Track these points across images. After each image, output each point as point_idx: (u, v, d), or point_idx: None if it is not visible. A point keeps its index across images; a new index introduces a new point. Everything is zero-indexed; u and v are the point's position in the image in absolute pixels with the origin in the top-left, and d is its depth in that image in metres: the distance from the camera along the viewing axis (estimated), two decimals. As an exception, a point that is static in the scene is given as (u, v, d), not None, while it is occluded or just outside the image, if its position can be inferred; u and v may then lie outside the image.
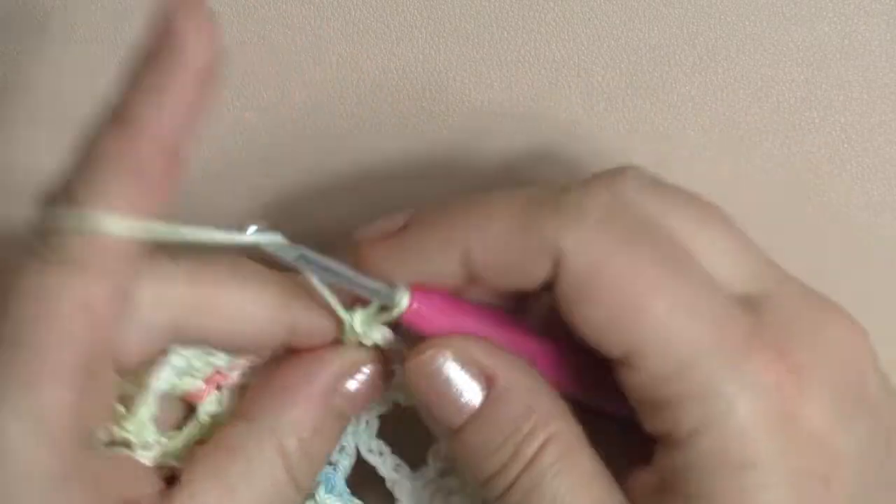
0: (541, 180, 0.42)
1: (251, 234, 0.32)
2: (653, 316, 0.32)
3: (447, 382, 0.34)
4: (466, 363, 0.34)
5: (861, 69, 0.41)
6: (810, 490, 0.32)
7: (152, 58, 0.31)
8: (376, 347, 0.35)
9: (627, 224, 0.33)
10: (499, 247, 0.33)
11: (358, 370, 0.35)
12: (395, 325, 0.35)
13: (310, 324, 0.35)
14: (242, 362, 0.37)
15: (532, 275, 0.33)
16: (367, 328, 0.35)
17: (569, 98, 0.42)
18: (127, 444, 0.35)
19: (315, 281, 0.34)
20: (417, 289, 0.34)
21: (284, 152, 0.43)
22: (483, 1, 0.41)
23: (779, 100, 0.42)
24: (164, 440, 0.36)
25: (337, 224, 0.42)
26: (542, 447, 0.33)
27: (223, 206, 0.43)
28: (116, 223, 0.30)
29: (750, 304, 0.33)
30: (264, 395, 0.35)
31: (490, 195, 0.34)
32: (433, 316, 0.34)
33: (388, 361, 0.36)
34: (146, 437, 0.35)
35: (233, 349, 0.36)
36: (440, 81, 0.42)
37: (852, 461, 0.32)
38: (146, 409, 0.35)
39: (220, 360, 0.36)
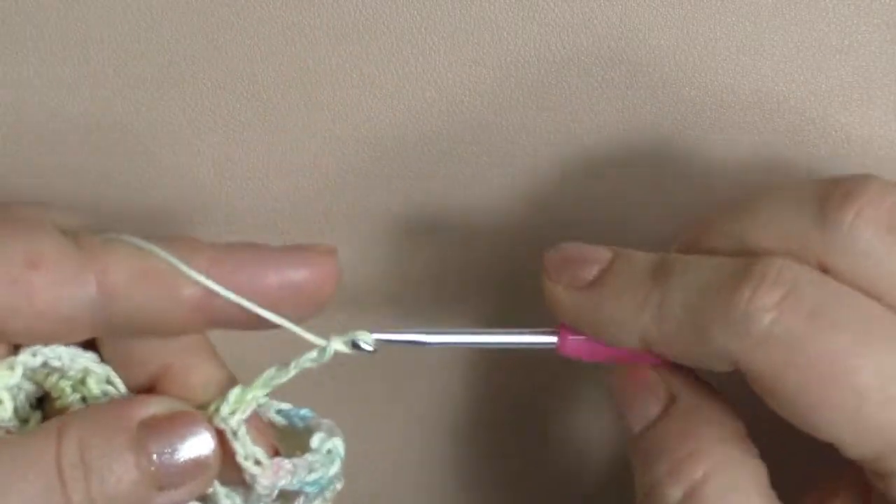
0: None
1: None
2: (856, 404, 0.31)
3: (635, 392, 0.35)
4: (655, 378, 0.35)
5: (861, 69, 0.41)
6: None
7: None
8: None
9: (808, 307, 0.31)
10: (673, 345, 0.33)
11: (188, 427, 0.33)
12: None
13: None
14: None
15: (712, 368, 0.33)
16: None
17: (569, 99, 0.42)
18: None
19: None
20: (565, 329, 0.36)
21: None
22: (483, 2, 0.41)
23: (779, 100, 0.41)
24: (13, 427, 0.34)
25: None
26: (704, 477, 0.33)
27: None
28: None
29: None
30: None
31: (672, 267, 0.34)
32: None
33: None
34: None
35: None
36: (434, 87, 0.42)
37: None
38: (8, 372, 0.34)
39: (118, 394, 0.35)
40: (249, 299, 0.33)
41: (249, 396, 0.34)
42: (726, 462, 0.33)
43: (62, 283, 0.32)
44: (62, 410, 0.34)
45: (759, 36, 0.41)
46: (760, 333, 0.31)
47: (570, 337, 0.35)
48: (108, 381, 0.35)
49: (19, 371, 0.34)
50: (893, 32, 0.41)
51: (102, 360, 0.35)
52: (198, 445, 0.32)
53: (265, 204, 0.43)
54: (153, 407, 0.33)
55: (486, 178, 0.43)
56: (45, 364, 0.34)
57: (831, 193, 0.33)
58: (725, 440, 0.34)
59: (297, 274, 0.33)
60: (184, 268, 0.33)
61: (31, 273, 0.32)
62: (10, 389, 0.34)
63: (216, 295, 0.32)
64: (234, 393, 0.34)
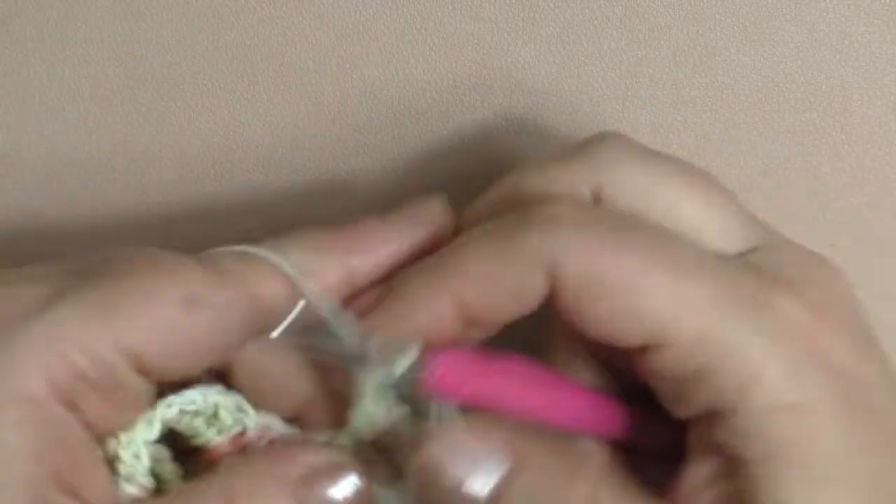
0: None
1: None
2: (662, 296, 0.32)
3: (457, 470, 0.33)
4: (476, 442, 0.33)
5: (861, 69, 0.41)
6: (857, 417, 0.32)
7: None
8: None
9: (605, 216, 0.33)
10: (488, 279, 0.33)
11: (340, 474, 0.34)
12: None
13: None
14: (269, 426, 0.35)
15: (528, 296, 0.33)
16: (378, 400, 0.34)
17: (569, 99, 0.42)
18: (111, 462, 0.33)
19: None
20: (433, 351, 0.33)
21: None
22: (482, 3, 0.41)
23: (779, 100, 0.42)
24: (147, 483, 0.34)
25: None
26: None
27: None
28: None
29: (747, 261, 0.33)
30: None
31: (462, 238, 0.34)
32: (460, 379, 0.33)
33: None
34: (136, 466, 0.33)
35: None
36: (433, 88, 0.42)
37: (881, 389, 0.33)
38: (147, 428, 0.34)
39: (251, 419, 0.35)
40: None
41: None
42: (603, 473, 0.34)
43: (219, 318, 0.33)
44: (198, 447, 0.35)
45: (760, 35, 0.41)
46: (571, 225, 0.32)
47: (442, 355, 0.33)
48: (240, 409, 0.35)
49: (157, 427, 0.34)
50: (893, 32, 0.41)
51: (229, 386, 0.35)
52: (347, 488, 0.33)
53: (265, 204, 0.43)
54: (311, 457, 0.33)
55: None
56: (180, 412, 0.34)
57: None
58: (585, 456, 0.34)
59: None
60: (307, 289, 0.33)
61: (189, 316, 0.32)
62: (147, 445, 0.34)
63: None
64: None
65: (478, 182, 0.42)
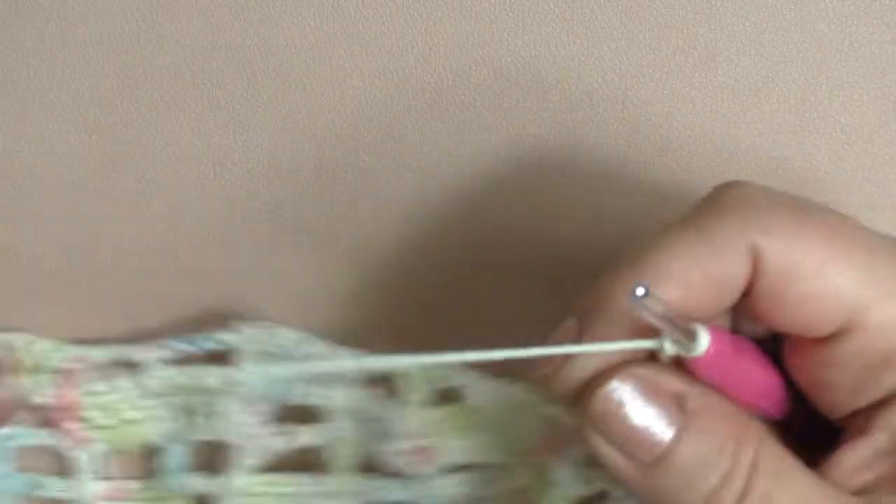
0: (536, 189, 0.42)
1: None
2: (860, 279, 0.32)
3: (636, 415, 0.32)
4: (655, 392, 0.32)
5: (861, 70, 0.41)
6: None
7: None
8: None
9: (792, 198, 0.33)
10: (692, 275, 0.32)
11: None
12: None
13: None
14: None
15: (734, 287, 0.32)
16: None
17: (569, 100, 0.42)
18: None
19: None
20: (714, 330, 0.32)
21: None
22: (482, 3, 0.41)
23: (779, 100, 0.42)
24: None
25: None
26: (752, 473, 0.32)
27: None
28: None
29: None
30: None
31: (653, 238, 0.33)
32: (724, 361, 0.33)
33: None
34: None
35: None
36: (433, 88, 0.42)
37: None
38: None
39: None
40: None
41: None
42: (768, 448, 0.32)
43: None
44: None
45: (760, 35, 0.41)
46: (765, 208, 0.33)
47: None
48: None
49: None
50: (893, 32, 0.41)
51: None
52: None
53: (265, 204, 0.43)
54: None
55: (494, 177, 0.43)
56: None
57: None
58: (751, 428, 0.33)
59: None
60: None
61: None
62: None
63: None
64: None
65: (478, 182, 0.43)
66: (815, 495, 0.32)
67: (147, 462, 0.44)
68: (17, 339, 0.43)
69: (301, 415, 0.42)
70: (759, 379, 0.34)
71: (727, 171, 0.42)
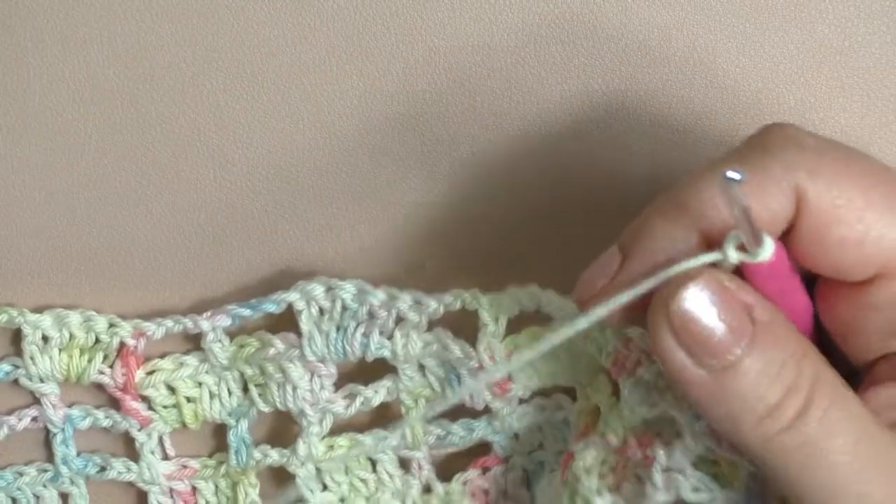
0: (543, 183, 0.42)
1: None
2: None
3: (712, 320, 0.32)
4: (729, 299, 0.32)
5: (860, 71, 0.41)
6: None
7: None
8: None
9: (837, 144, 0.33)
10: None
11: None
12: None
13: None
14: None
15: (777, 224, 0.33)
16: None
17: (569, 101, 0.42)
18: None
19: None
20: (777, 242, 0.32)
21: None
22: (482, 3, 0.41)
23: (779, 101, 0.41)
24: None
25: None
26: (816, 381, 0.32)
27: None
28: None
29: None
30: None
31: (699, 171, 0.33)
32: (781, 275, 0.33)
33: None
34: None
35: None
36: (433, 88, 0.42)
37: None
38: None
39: None
40: None
41: None
42: (828, 373, 0.33)
43: None
44: None
45: (759, 36, 0.41)
46: (814, 152, 0.33)
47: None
48: None
49: None
50: (893, 32, 0.41)
51: None
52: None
53: (265, 204, 0.43)
54: None
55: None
56: None
57: None
58: (811, 346, 0.33)
59: None
60: None
61: None
62: None
63: None
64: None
65: (478, 182, 0.43)
66: (866, 418, 0.32)
67: (212, 439, 0.45)
68: (74, 317, 0.43)
69: (366, 369, 0.42)
70: (802, 302, 0.34)
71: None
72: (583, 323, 0.32)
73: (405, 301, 0.41)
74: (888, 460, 0.32)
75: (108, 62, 0.42)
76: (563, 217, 0.43)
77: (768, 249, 0.32)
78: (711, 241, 0.33)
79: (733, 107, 0.42)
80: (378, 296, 0.41)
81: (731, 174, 0.30)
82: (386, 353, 0.42)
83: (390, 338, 0.41)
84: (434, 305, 0.41)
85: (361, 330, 0.41)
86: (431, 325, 0.41)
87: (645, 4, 0.41)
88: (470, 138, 0.42)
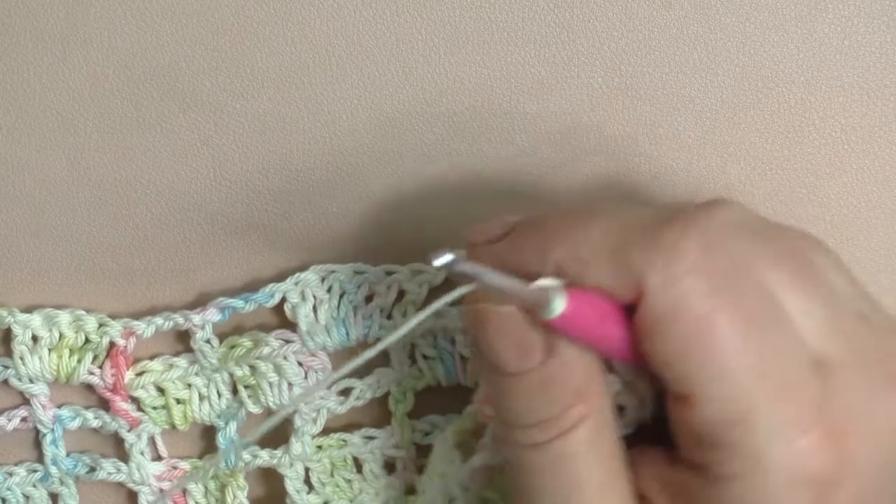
0: (550, 190, 0.42)
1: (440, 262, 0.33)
2: (724, 369, 0.32)
3: (520, 331, 0.34)
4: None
5: (860, 70, 0.41)
6: None
7: None
8: None
9: (718, 272, 0.33)
10: (589, 268, 0.34)
11: None
12: None
13: None
14: None
15: (616, 295, 0.34)
16: None
17: (570, 101, 0.42)
18: None
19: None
20: (572, 292, 0.33)
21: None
22: (482, 4, 0.41)
23: (779, 101, 0.41)
24: None
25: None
26: (581, 420, 0.34)
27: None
28: None
29: (823, 369, 0.33)
30: None
31: (593, 211, 0.35)
32: (582, 320, 0.34)
33: None
34: None
35: None
36: (432, 88, 0.42)
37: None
38: None
39: None
40: None
41: None
42: (602, 406, 0.35)
43: None
44: None
45: (760, 36, 0.41)
46: (678, 272, 0.33)
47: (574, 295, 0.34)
48: None
49: None
50: (893, 32, 0.41)
51: None
52: None
53: (264, 203, 0.43)
54: None
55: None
56: None
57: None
58: (598, 390, 0.35)
59: None
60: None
61: None
62: None
63: None
64: None
65: (478, 182, 0.43)
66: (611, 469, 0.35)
67: (202, 440, 0.44)
68: (64, 316, 0.43)
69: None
70: (615, 336, 0.34)
71: (727, 171, 0.42)
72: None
73: (403, 273, 0.41)
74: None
75: (108, 62, 0.42)
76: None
77: (557, 309, 0.33)
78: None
79: (733, 107, 0.41)
80: (375, 272, 0.41)
81: (441, 259, 0.33)
82: (385, 335, 0.41)
83: (390, 317, 0.41)
84: (432, 274, 0.41)
85: (361, 312, 0.41)
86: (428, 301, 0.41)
87: (645, 4, 0.41)
88: (470, 137, 0.42)
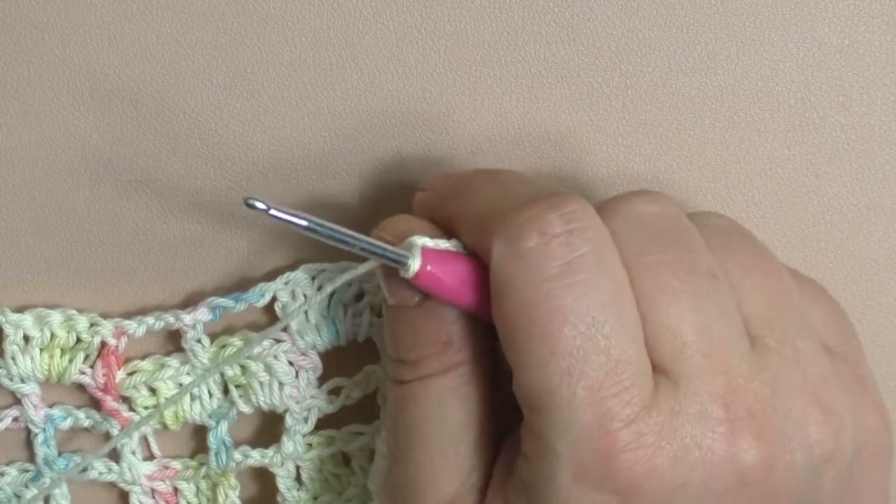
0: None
1: (261, 207, 0.34)
2: (535, 359, 0.33)
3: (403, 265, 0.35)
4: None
5: (860, 70, 0.41)
6: None
7: None
8: None
9: (557, 262, 0.33)
10: (465, 227, 0.36)
11: None
12: None
13: None
14: None
15: (482, 258, 0.35)
16: None
17: (569, 100, 0.42)
18: None
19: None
20: (428, 253, 0.35)
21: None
22: (481, 3, 0.41)
23: (779, 100, 0.42)
24: None
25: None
26: (446, 369, 0.36)
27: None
28: None
29: (664, 380, 0.33)
30: None
31: (496, 177, 0.36)
32: (440, 280, 0.35)
33: None
34: None
35: None
36: (432, 87, 0.42)
37: None
38: None
39: None
40: None
41: None
42: (475, 360, 0.36)
43: None
44: None
45: (760, 35, 0.41)
46: (517, 251, 0.33)
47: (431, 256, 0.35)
48: None
49: None
50: (893, 32, 0.41)
51: None
52: None
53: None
54: None
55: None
56: None
57: None
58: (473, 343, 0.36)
59: None
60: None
61: None
62: None
63: None
64: None
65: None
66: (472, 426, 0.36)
67: (194, 440, 0.44)
68: (55, 316, 0.42)
69: (350, 358, 0.43)
70: (471, 300, 0.36)
71: (727, 171, 0.42)
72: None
73: None
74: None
75: (108, 62, 0.42)
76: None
77: (413, 268, 0.35)
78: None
79: (733, 107, 0.42)
80: (364, 267, 0.41)
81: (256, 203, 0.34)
82: (375, 333, 0.42)
83: (380, 315, 0.41)
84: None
85: (351, 310, 0.42)
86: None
87: (645, 4, 0.41)
88: (469, 137, 0.42)
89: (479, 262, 0.35)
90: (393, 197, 0.43)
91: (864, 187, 0.42)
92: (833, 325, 0.37)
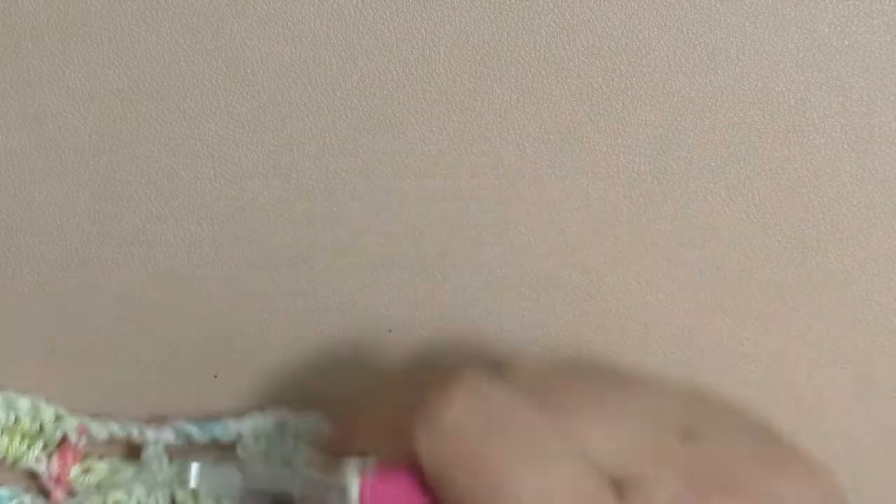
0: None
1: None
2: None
3: None
4: None
5: (860, 71, 0.41)
6: None
7: None
8: None
9: (484, 421, 0.34)
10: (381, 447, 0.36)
11: None
12: None
13: None
14: None
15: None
16: None
17: (568, 100, 0.42)
18: None
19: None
20: (367, 481, 0.35)
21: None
22: (481, 3, 0.41)
23: (778, 101, 0.41)
24: None
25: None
26: None
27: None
28: None
29: (629, 488, 0.34)
30: None
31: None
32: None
33: None
34: None
35: None
36: (432, 87, 0.42)
37: None
38: None
39: None
40: None
41: None
42: None
43: None
44: None
45: (760, 36, 0.41)
46: (441, 431, 0.34)
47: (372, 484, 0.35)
48: None
49: None
50: (893, 32, 0.41)
51: None
52: None
53: (262, 204, 0.43)
54: None
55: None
56: None
57: None
58: None
59: None
60: None
61: None
62: None
63: None
64: None
65: (476, 182, 0.43)
66: None
67: None
68: (23, 403, 0.43)
69: None
70: None
71: (727, 171, 0.42)
72: None
73: None
74: None
75: (108, 62, 0.42)
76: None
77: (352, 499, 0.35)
78: None
79: (733, 107, 0.42)
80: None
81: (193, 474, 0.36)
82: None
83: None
84: None
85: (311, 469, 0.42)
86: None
87: (645, 4, 0.41)
88: (469, 137, 0.42)
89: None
90: (388, 195, 0.43)
91: (864, 188, 0.42)
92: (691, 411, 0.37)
